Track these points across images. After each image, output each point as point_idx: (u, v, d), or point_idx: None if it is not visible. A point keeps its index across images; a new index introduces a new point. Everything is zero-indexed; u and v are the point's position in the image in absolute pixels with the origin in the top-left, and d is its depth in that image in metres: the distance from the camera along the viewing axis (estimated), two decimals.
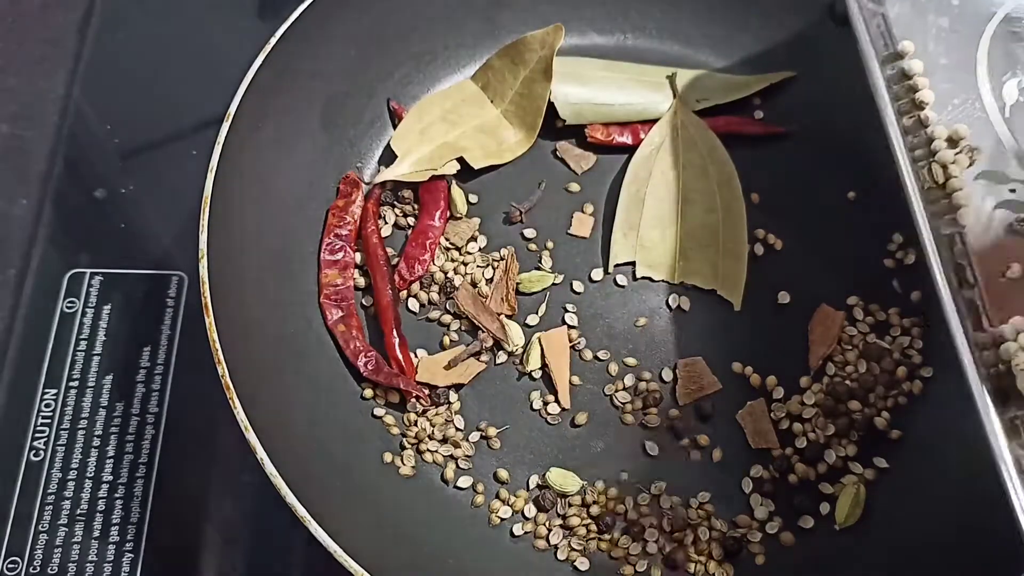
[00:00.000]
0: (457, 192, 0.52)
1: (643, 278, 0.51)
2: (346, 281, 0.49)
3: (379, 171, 0.53)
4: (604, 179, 0.53)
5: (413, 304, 0.49)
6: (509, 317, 0.49)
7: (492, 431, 0.47)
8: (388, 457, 0.46)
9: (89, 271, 0.52)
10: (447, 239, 0.51)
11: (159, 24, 0.61)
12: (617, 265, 0.51)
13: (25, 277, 0.51)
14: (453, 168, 0.52)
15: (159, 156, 0.56)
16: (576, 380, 0.48)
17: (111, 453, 0.47)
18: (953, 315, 0.38)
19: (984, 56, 0.43)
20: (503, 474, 0.46)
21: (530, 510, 0.45)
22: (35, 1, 0.61)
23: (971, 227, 0.39)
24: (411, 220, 0.52)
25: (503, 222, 0.52)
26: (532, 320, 0.49)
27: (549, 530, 0.45)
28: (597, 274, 0.51)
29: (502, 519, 0.45)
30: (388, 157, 0.53)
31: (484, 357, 0.48)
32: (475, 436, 0.47)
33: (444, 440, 0.46)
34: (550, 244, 0.52)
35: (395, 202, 0.52)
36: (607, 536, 0.45)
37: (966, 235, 0.39)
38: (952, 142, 0.41)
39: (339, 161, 0.52)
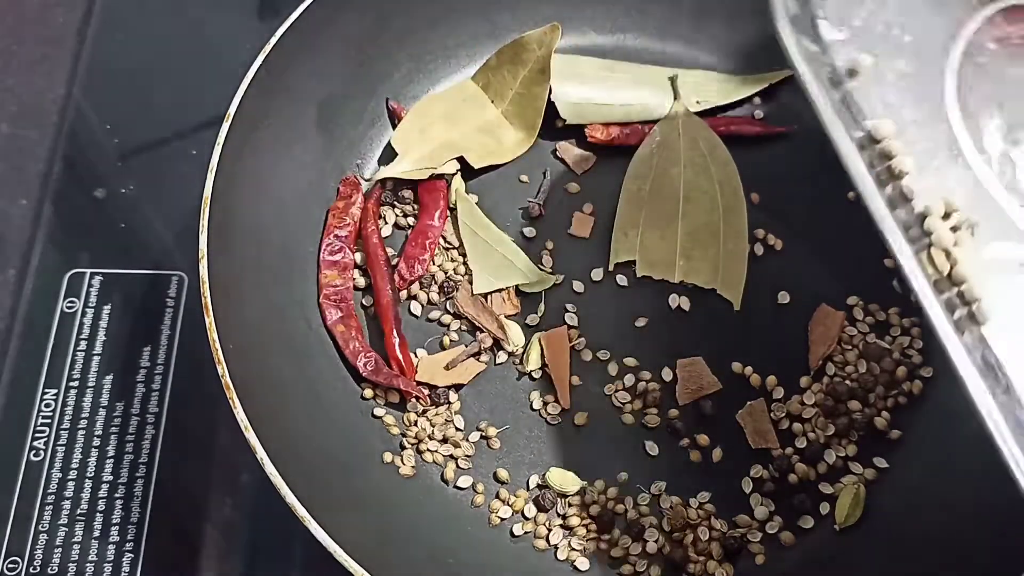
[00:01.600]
0: (458, 183, 0.52)
1: (643, 278, 0.51)
2: (346, 281, 0.49)
3: (379, 171, 0.53)
4: (604, 179, 0.53)
5: (413, 304, 0.49)
6: (509, 317, 0.49)
7: (492, 431, 0.47)
8: (388, 457, 0.46)
9: (89, 271, 0.52)
10: (445, 238, 0.51)
11: (159, 24, 0.61)
12: (617, 265, 0.51)
13: (25, 277, 0.51)
14: (453, 168, 0.52)
15: (159, 156, 0.56)
16: (576, 380, 0.48)
17: (111, 453, 0.47)
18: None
19: (954, 100, 0.36)
20: (503, 474, 0.46)
21: (530, 510, 0.45)
22: (35, 1, 0.61)
23: (993, 321, 0.33)
24: (411, 220, 0.52)
25: (522, 217, 0.52)
26: (532, 320, 0.49)
27: (549, 530, 0.45)
28: (597, 274, 0.51)
29: (502, 519, 0.45)
30: (388, 157, 0.53)
31: (484, 357, 0.48)
32: (475, 436, 0.47)
33: (444, 440, 0.46)
34: (550, 244, 0.52)
35: (395, 202, 0.52)
36: (607, 536, 0.45)
37: (986, 332, 0.33)
38: (945, 215, 0.34)
39: (339, 161, 0.52)
